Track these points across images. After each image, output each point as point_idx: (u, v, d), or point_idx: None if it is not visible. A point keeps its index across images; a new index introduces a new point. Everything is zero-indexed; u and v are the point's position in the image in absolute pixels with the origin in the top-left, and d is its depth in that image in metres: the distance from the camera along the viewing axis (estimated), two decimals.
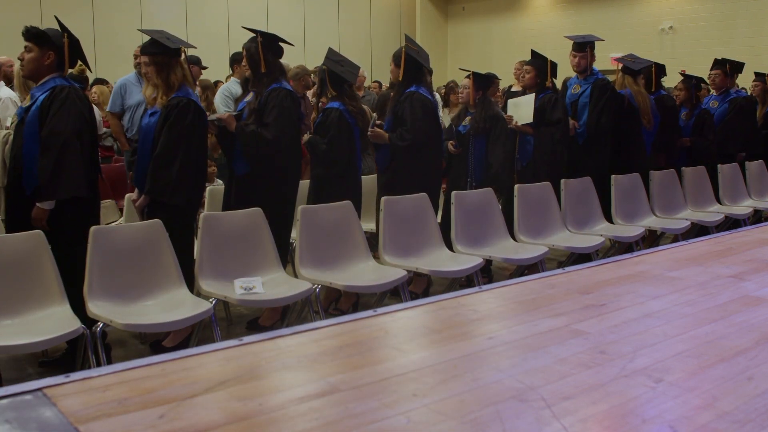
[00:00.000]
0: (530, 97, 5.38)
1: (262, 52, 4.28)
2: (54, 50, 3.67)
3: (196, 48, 4.30)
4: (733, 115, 6.72)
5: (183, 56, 4.01)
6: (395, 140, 4.77)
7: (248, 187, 4.29)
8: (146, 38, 4.04)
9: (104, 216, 4.68)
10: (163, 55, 3.89)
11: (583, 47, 5.63)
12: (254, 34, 4.36)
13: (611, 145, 5.67)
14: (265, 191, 4.24)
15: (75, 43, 3.77)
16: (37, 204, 3.56)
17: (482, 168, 5.09)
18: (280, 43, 4.41)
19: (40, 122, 3.57)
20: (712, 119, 6.61)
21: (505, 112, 5.43)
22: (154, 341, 4.05)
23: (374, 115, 5.21)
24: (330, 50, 4.79)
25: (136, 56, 6.06)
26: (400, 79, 4.87)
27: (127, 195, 4.51)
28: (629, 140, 5.77)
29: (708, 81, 6.91)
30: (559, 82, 6.34)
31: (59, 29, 3.74)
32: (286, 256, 4.30)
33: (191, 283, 3.66)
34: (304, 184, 4.81)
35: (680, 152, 6.45)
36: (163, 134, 3.82)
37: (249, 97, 4.36)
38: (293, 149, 4.40)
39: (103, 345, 3.25)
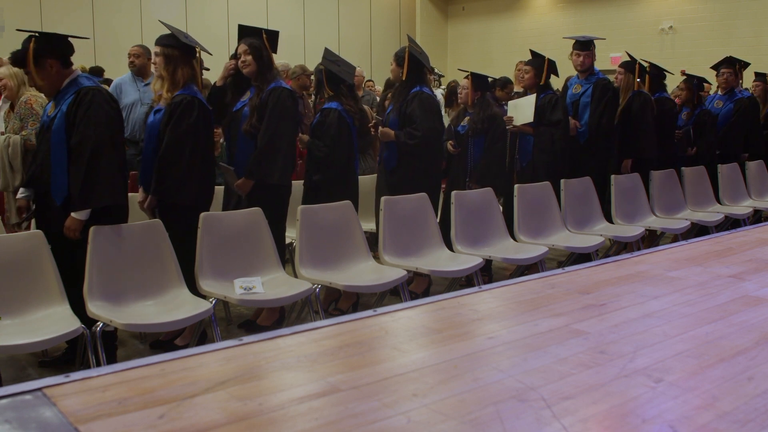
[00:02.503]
0: (531, 98, 5.39)
1: (269, 48, 4.30)
2: (53, 56, 3.49)
3: (211, 54, 4.28)
4: (737, 117, 6.71)
5: (197, 56, 3.99)
6: (404, 138, 4.77)
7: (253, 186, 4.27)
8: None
9: None
10: (174, 49, 3.88)
11: (587, 45, 5.65)
12: (249, 31, 4.35)
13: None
14: (263, 191, 4.22)
15: (55, 37, 3.56)
16: (72, 214, 3.43)
17: None
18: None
19: (67, 129, 3.44)
20: (713, 120, 6.60)
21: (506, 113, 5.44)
22: (154, 341, 4.05)
23: (374, 113, 5.21)
24: (326, 50, 4.79)
25: (130, 55, 6.07)
26: (404, 78, 4.87)
27: (129, 195, 4.50)
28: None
29: (721, 79, 6.89)
30: (560, 81, 6.35)
31: (31, 34, 3.51)
32: (283, 255, 4.30)
33: (191, 283, 3.64)
34: (301, 185, 4.81)
35: (679, 148, 6.47)
36: (168, 133, 3.79)
37: (246, 96, 4.33)
38: (291, 149, 4.41)
39: (103, 345, 3.24)
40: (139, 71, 6.04)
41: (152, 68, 6.20)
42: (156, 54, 3.96)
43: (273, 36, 4.39)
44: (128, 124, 5.82)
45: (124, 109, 5.91)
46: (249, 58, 4.27)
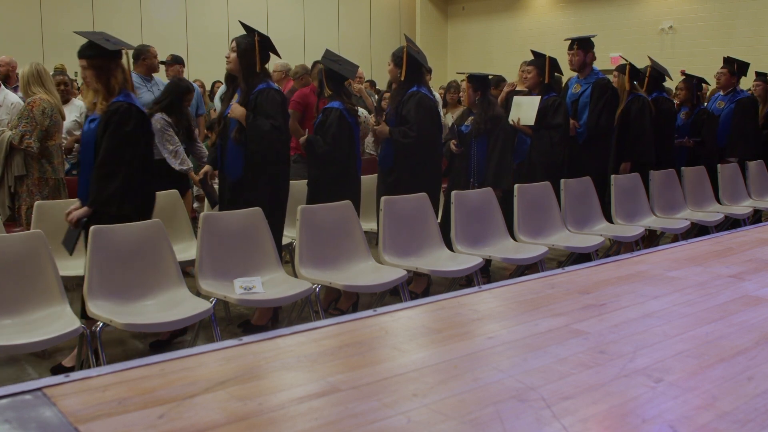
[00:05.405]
0: (535, 99, 5.39)
1: (259, 52, 4.19)
2: None
3: (134, 48, 4.06)
4: (739, 119, 6.69)
5: (125, 59, 3.75)
6: (398, 137, 4.77)
7: (242, 191, 4.22)
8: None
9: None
10: (101, 58, 3.62)
11: (572, 45, 5.66)
12: (248, 32, 4.27)
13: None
14: (258, 194, 4.17)
15: None
16: None
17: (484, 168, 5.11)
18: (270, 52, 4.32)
19: None
20: (712, 119, 6.60)
21: (508, 109, 5.44)
22: (154, 341, 4.05)
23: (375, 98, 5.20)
24: (327, 51, 4.79)
25: (155, 57, 6.06)
26: (402, 78, 4.87)
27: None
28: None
29: (715, 78, 6.92)
30: (564, 80, 6.35)
31: None
32: (279, 257, 4.28)
33: None
34: (303, 185, 4.81)
35: (680, 152, 6.47)
36: (104, 142, 3.58)
37: (235, 100, 4.26)
38: (285, 150, 4.38)
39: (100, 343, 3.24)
40: (149, 70, 6.08)
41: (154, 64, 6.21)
42: (83, 68, 3.66)
43: (265, 41, 4.24)
44: None
45: None
46: (233, 55, 4.19)
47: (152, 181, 3.86)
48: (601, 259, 3.30)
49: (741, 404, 1.40)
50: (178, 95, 5.07)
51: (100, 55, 3.63)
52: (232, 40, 4.25)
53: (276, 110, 4.17)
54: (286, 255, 4.78)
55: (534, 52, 5.64)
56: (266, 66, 4.33)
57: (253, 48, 4.19)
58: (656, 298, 2.13)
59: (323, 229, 4.08)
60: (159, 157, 4.93)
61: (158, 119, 4.93)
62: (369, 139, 6.64)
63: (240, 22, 4.47)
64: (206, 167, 4.47)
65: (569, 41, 5.73)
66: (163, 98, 5.12)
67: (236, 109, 4.16)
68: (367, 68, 13.78)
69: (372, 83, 10.98)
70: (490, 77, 5.42)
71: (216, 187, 4.73)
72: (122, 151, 3.60)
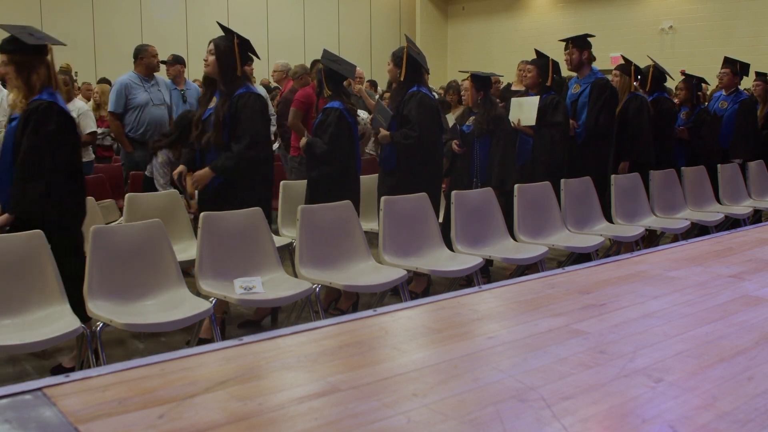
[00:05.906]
0: (534, 99, 5.39)
1: (239, 55, 4.06)
2: None
3: (65, 45, 3.84)
4: (742, 120, 6.69)
5: (49, 55, 3.53)
6: (399, 139, 4.76)
7: (225, 196, 4.11)
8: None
9: (104, 216, 4.68)
10: (22, 54, 3.41)
11: (566, 45, 5.67)
12: (225, 33, 4.14)
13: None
14: (241, 199, 4.07)
15: None
16: None
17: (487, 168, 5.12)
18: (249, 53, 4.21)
19: None
20: (713, 119, 6.59)
21: (508, 109, 5.44)
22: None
23: (377, 98, 5.18)
24: (325, 51, 4.78)
25: (154, 56, 6.07)
26: (402, 78, 4.87)
27: (127, 195, 4.50)
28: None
29: (718, 78, 6.91)
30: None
31: None
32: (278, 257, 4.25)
33: (76, 307, 3.24)
34: (303, 185, 4.80)
35: (679, 152, 6.47)
36: (24, 143, 3.37)
37: (214, 103, 4.14)
38: (268, 153, 4.34)
39: (101, 344, 3.24)
40: (149, 70, 6.09)
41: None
42: (4, 63, 3.47)
43: (244, 43, 4.13)
44: (139, 124, 5.85)
45: (134, 110, 5.91)
46: (212, 58, 4.06)
47: (80, 185, 3.64)
48: (601, 259, 3.30)
49: (741, 404, 1.40)
50: (187, 128, 5.09)
51: (20, 50, 3.42)
52: (210, 42, 4.11)
53: (256, 117, 4.06)
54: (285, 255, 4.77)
55: (537, 52, 5.64)
56: (245, 68, 4.20)
57: (233, 50, 4.05)
58: (656, 298, 2.13)
59: (323, 229, 4.08)
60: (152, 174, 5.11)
61: (163, 153, 5.06)
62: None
63: (218, 23, 4.35)
64: (181, 167, 4.38)
65: (566, 41, 5.72)
66: (171, 132, 5.15)
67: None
68: (367, 68, 13.78)
69: (373, 83, 10.98)
70: (492, 78, 5.43)
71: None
72: (43, 152, 3.39)
